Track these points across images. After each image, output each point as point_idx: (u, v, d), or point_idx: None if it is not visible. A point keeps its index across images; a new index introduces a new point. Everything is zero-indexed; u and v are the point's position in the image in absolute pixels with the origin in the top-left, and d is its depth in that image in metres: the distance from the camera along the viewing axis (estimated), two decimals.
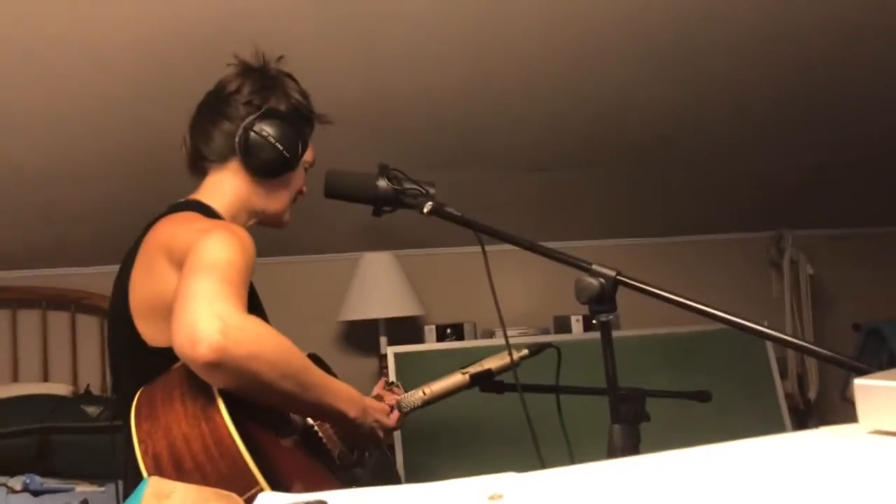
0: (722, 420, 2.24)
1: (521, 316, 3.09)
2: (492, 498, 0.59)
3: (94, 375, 2.92)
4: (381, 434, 1.32)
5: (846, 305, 3.44)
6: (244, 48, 1.46)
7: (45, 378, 2.87)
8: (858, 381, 0.68)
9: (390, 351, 2.58)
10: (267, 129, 1.36)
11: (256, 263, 1.19)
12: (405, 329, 3.03)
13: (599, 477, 0.64)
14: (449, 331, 2.93)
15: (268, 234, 1.50)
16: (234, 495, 0.90)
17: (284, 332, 1.09)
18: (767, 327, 0.99)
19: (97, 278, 2.86)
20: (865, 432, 0.67)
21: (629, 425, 1.38)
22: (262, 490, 0.95)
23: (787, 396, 2.90)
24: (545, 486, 0.62)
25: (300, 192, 1.50)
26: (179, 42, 2.06)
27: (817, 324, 3.34)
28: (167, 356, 1.14)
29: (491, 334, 2.94)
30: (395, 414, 1.45)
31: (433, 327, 2.93)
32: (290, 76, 1.47)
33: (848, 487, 0.55)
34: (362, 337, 3.10)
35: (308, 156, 1.48)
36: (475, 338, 2.96)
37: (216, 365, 0.96)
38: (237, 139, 1.36)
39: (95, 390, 2.84)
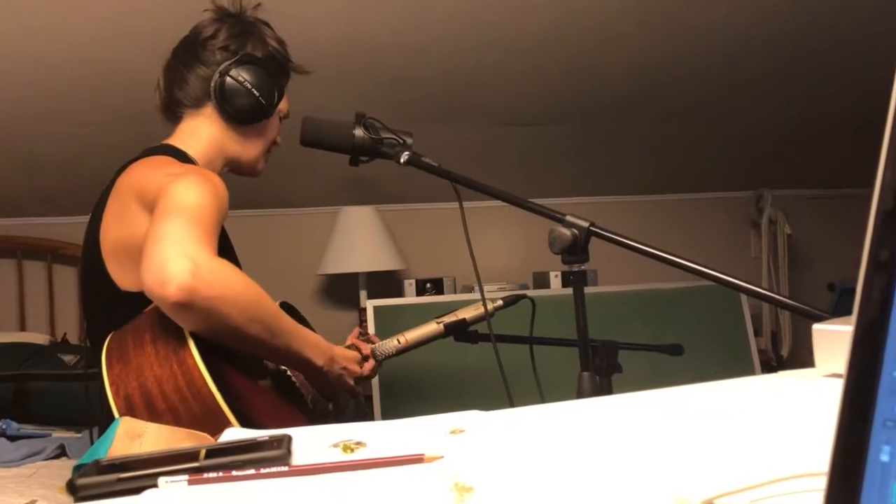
0: (696, 375, 2.25)
1: (501, 271, 3.11)
2: (453, 432, 0.60)
3: (70, 325, 2.91)
4: (350, 382, 1.32)
5: (822, 266, 3.48)
6: None
7: (23, 327, 2.86)
8: (816, 327, 0.69)
9: (370, 305, 2.59)
10: (243, 75, 1.35)
11: (238, 215, 1.19)
12: (385, 283, 3.04)
13: (559, 414, 0.65)
14: (429, 285, 2.94)
15: (249, 187, 1.49)
16: (206, 435, 0.92)
17: (264, 285, 1.09)
18: None
19: (73, 228, 2.82)
20: (821, 375, 0.68)
21: (600, 376, 1.41)
22: None
23: (761, 353, 2.96)
24: (505, 421, 0.64)
25: (275, 143, 1.49)
26: None
27: (793, 283, 3.39)
28: (140, 301, 1.13)
29: (470, 289, 2.95)
30: (370, 363, 1.46)
31: (413, 282, 2.94)
32: (266, 24, 1.45)
33: (793, 421, 0.57)
34: (342, 290, 3.11)
35: (283, 105, 1.47)
36: (455, 292, 2.97)
37: (185, 305, 0.96)
38: (213, 84, 1.35)
39: (72, 339, 2.84)
